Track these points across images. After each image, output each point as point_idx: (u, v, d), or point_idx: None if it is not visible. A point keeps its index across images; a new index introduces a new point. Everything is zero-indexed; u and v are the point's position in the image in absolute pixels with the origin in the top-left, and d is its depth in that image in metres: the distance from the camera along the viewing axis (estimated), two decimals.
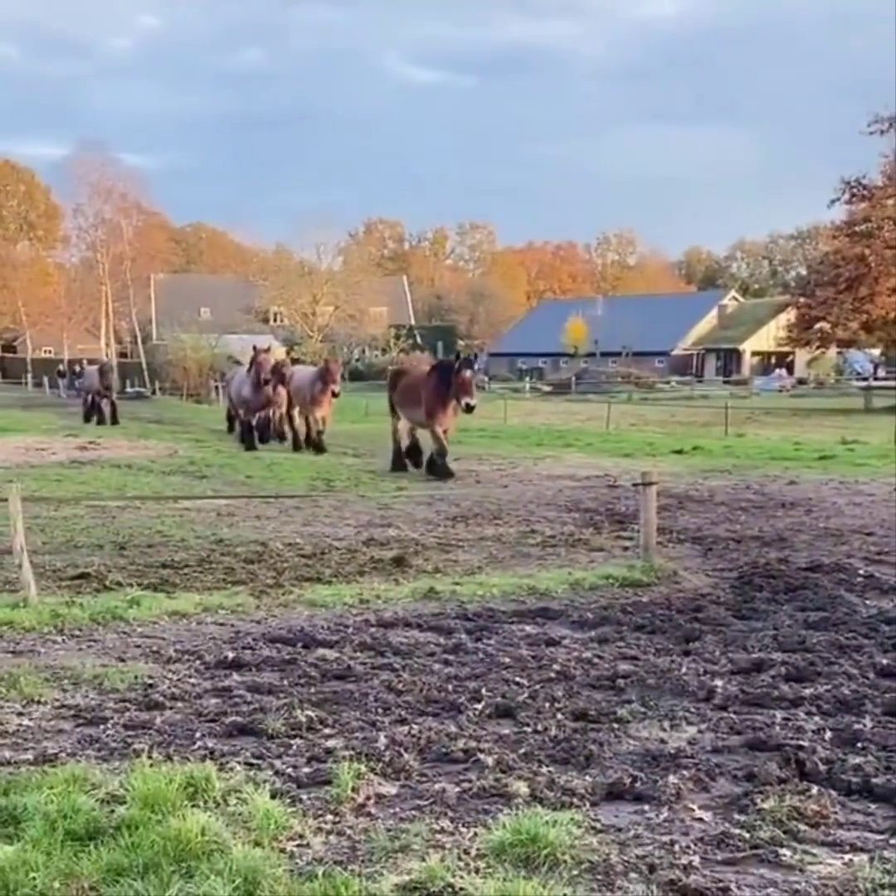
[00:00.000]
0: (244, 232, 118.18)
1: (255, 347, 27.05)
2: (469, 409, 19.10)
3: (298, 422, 26.83)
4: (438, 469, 19.54)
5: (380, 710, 6.31)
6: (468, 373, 19.24)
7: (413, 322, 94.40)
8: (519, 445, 26.78)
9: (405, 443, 21.10)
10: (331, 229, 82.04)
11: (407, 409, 20.74)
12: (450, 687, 6.74)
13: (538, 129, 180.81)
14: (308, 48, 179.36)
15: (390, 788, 5.19)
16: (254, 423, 26.90)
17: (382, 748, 5.62)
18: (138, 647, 7.91)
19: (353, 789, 5.07)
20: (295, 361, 47.07)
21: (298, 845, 4.58)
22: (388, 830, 4.66)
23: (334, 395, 25.32)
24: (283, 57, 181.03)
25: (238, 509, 15.19)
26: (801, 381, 73.98)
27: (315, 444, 25.43)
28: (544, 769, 5.37)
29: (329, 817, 4.86)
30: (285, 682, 6.91)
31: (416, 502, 15.94)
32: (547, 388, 72.31)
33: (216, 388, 58.44)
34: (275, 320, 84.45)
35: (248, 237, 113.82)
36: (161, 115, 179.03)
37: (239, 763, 5.48)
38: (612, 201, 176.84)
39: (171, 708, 6.41)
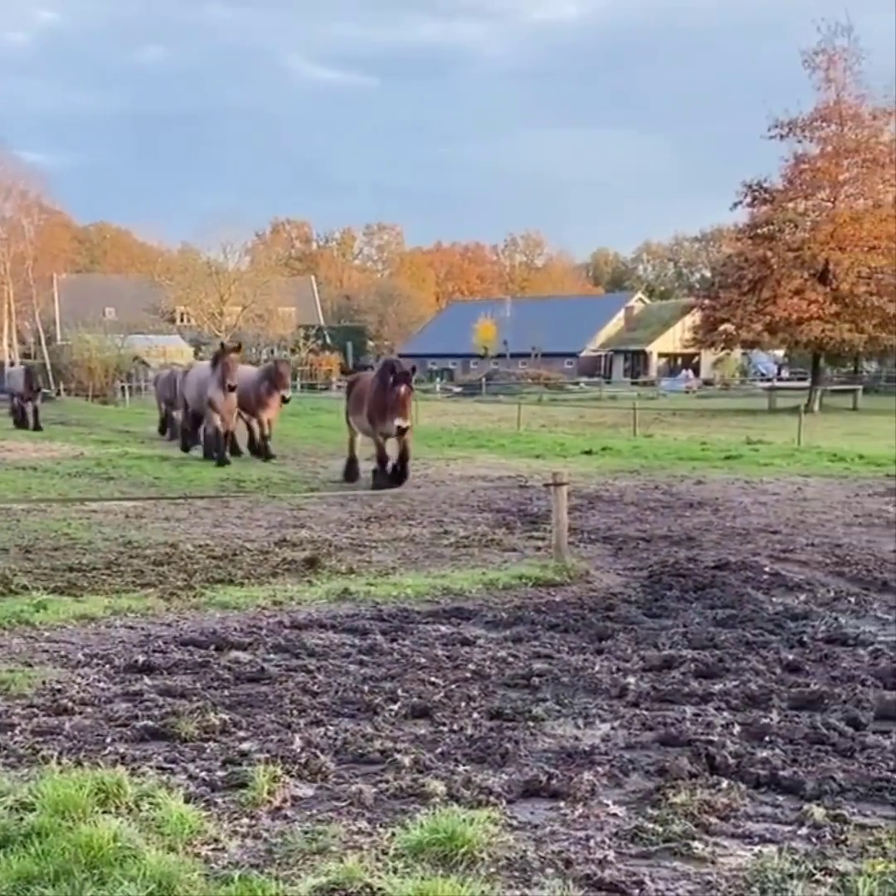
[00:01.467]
0: (149, 231, 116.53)
1: (222, 345, 23.72)
2: (400, 431, 17.31)
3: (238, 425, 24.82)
4: (378, 477, 18.00)
5: (295, 712, 6.27)
6: (403, 389, 17.31)
7: (322, 322, 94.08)
8: (431, 446, 26.81)
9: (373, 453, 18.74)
10: (237, 229, 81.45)
11: (355, 416, 19.29)
12: (365, 688, 6.72)
13: (445, 129, 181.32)
14: (212, 46, 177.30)
15: (307, 790, 5.17)
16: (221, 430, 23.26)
17: (298, 750, 5.59)
18: (46, 651, 7.74)
19: (269, 792, 5.03)
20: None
21: (213, 849, 4.53)
22: (305, 832, 4.64)
23: (284, 400, 23.77)
24: (188, 54, 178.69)
25: (146, 511, 14.97)
26: (707, 383, 75.31)
27: (261, 450, 23.68)
28: (461, 768, 5.39)
29: (245, 820, 4.82)
30: (198, 685, 6.82)
31: (329, 503, 15.88)
32: (457, 389, 72.59)
33: (123, 388, 57.64)
34: (181, 320, 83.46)
35: (154, 236, 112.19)
36: (61, 112, 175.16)
37: (151, 768, 5.39)
38: (520, 203, 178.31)
39: (80, 713, 6.30)
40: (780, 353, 72.76)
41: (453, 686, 6.79)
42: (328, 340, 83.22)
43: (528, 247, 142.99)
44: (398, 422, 17.16)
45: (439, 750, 5.65)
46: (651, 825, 4.70)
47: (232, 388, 22.21)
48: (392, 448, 18.06)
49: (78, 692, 6.69)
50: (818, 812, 4.81)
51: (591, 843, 4.56)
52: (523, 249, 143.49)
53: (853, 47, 46.61)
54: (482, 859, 4.38)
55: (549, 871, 4.31)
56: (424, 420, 37.46)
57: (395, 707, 6.35)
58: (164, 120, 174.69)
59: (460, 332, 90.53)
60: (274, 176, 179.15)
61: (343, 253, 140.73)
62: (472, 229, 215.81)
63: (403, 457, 17.90)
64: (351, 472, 19.21)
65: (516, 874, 4.29)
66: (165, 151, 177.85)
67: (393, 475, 17.86)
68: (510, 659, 7.46)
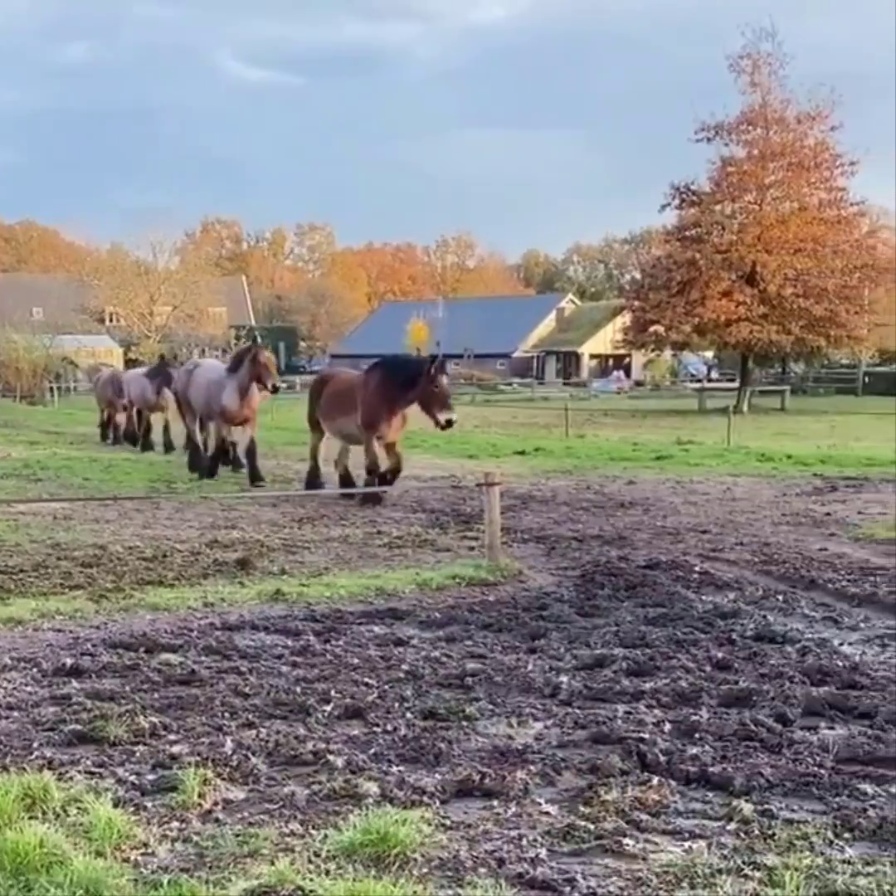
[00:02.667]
0: (77, 230, 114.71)
1: (255, 339, 20.00)
2: (448, 424, 15.63)
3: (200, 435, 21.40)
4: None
5: (226, 715, 6.21)
6: (445, 380, 15.72)
7: (253, 322, 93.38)
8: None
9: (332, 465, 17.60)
10: (167, 228, 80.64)
11: (334, 420, 17.03)
12: (298, 689, 6.68)
13: (375, 130, 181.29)
14: (139, 43, 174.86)
15: (238, 793, 5.12)
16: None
17: (229, 752, 5.54)
18: None
19: (200, 795, 4.98)
20: (131, 363, 46.13)
21: (143, 854, 4.48)
22: (237, 835, 4.60)
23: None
24: (114, 52, 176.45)
25: (75, 512, 14.75)
26: (638, 383, 76.04)
27: (235, 462, 20.13)
28: (394, 769, 5.38)
29: (175, 824, 4.76)
30: (127, 688, 6.73)
31: (261, 504, 15.76)
32: None
33: (52, 389, 56.75)
34: (111, 320, 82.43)
35: (82, 235, 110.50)
36: None
37: (79, 772, 5.31)
38: (451, 204, 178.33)
39: (6, 717, 6.19)
40: (709, 354, 73.70)
41: (386, 686, 6.78)
42: (260, 341, 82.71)
43: (459, 248, 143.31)
44: (445, 415, 15.44)
45: (372, 750, 5.63)
46: (583, 823, 4.73)
47: (275, 390, 19.38)
48: (381, 454, 16.27)
49: (4, 696, 6.57)
50: (747, 807, 4.88)
51: (524, 841, 4.57)
52: (455, 250, 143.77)
53: (777, 52, 47.40)
54: (415, 859, 4.38)
55: (482, 870, 4.32)
56: None
57: (328, 708, 6.32)
58: (90, 117, 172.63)
59: (393, 332, 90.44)
60: (203, 175, 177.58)
61: (274, 253, 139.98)
62: (403, 230, 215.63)
63: (397, 468, 16.44)
64: (314, 482, 17.27)
65: (449, 874, 4.29)
66: (92, 149, 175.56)
67: (384, 485, 16.09)
68: (443, 659, 7.46)
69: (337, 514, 14.85)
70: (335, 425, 17.14)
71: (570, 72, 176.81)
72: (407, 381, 15.71)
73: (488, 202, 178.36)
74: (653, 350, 53.71)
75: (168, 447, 25.23)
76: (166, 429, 25.55)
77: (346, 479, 17.26)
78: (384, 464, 16.25)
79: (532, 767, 5.38)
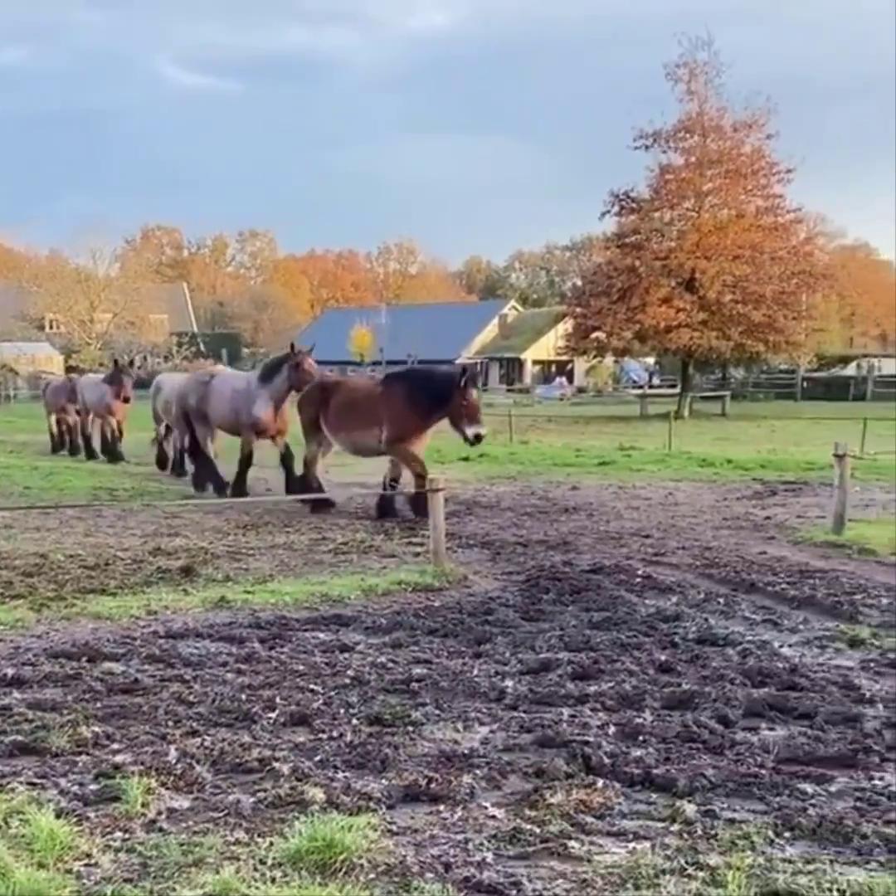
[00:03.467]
0: (15, 236, 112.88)
1: (292, 346, 17.91)
2: (478, 439, 15.06)
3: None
4: (420, 506, 14.04)
5: (170, 723, 6.17)
6: (475, 393, 15.16)
7: (195, 329, 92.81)
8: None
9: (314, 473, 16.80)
10: (107, 235, 79.62)
11: (349, 432, 15.96)
12: (243, 696, 6.65)
13: (316, 136, 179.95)
14: (77, 48, 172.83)
15: (182, 802, 5.09)
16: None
17: (173, 761, 5.50)
18: None
19: (143, 805, 4.95)
20: (72, 370, 45.55)
21: (86, 865, 4.43)
22: (181, 845, 4.57)
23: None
24: (52, 57, 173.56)
25: (15, 521, 14.55)
26: (580, 390, 76.43)
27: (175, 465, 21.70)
28: (340, 775, 5.38)
29: (118, 834, 4.72)
30: (69, 698, 6.65)
31: (205, 511, 15.66)
32: None
33: None
34: (51, 327, 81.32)
35: (20, 241, 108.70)
36: None
37: (20, 783, 5.25)
38: (393, 211, 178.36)
39: None
40: (650, 360, 74.29)
41: (332, 693, 6.77)
42: (202, 347, 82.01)
43: (401, 254, 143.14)
44: (475, 429, 14.80)
45: (318, 757, 5.62)
46: (529, 826, 4.76)
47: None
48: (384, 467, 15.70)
49: None
50: (689, 808, 4.94)
51: (470, 845, 4.59)
52: (397, 257, 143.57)
53: (714, 61, 47.98)
54: (361, 866, 4.38)
55: (429, 875, 4.33)
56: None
57: (274, 715, 6.30)
58: (27, 122, 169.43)
59: (336, 339, 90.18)
60: (143, 181, 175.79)
61: (215, 259, 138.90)
62: (345, 237, 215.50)
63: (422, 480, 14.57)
64: (320, 498, 15.90)
65: (396, 879, 4.30)
66: (30, 154, 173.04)
67: (416, 502, 14.82)
68: (389, 664, 7.46)
69: (282, 521, 14.79)
70: (349, 438, 16.14)
71: (511, 79, 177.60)
72: (438, 394, 15.01)
73: (430, 209, 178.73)
74: (595, 356, 53.97)
75: (115, 455, 24.76)
76: (117, 436, 25.15)
77: (302, 484, 16.70)
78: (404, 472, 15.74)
79: (478, 771, 5.40)
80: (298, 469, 17.22)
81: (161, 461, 22.53)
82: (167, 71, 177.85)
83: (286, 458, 17.65)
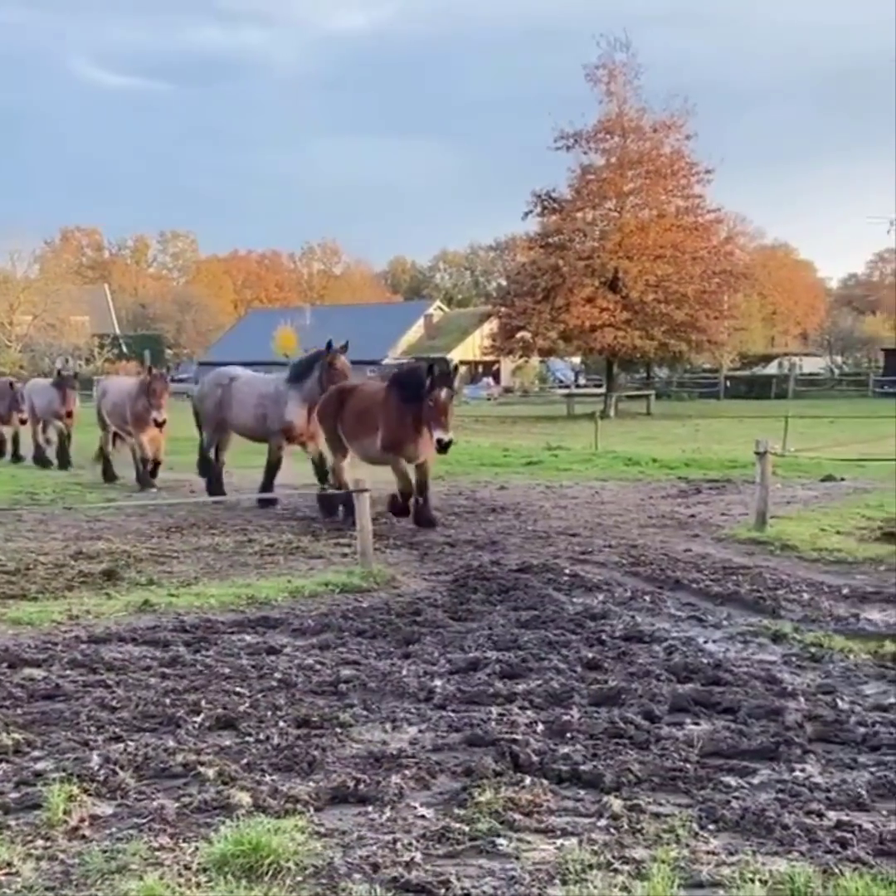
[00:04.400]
0: None
1: (328, 344, 16.51)
2: (442, 447, 13.43)
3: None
4: (422, 516, 14.18)
5: (93, 729, 6.07)
6: (444, 393, 13.54)
7: (118, 331, 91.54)
8: (231, 454, 26.34)
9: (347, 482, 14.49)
10: (25, 236, 78.23)
11: (359, 439, 14.71)
12: (167, 701, 6.57)
13: (237, 136, 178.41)
14: None
15: (106, 808, 5.01)
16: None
17: (96, 768, 5.41)
18: None
19: (66, 812, 4.87)
20: None
21: (7, 874, 4.35)
22: (104, 851, 4.50)
23: (157, 424, 18.76)
24: None
25: None
26: (507, 390, 76.76)
27: (143, 477, 19.20)
28: (267, 778, 5.33)
29: (40, 843, 4.64)
30: None
31: (127, 514, 15.44)
32: None
33: None
34: None
35: None
36: None
37: None
38: (316, 211, 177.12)
39: None
40: (576, 360, 74.85)
41: (259, 695, 6.71)
42: (124, 349, 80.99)
43: (325, 255, 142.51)
44: (440, 434, 13.39)
45: (245, 760, 5.57)
46: (458, 825, 4.76)
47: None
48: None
49: None
50: (616, 803, 4.98)
51: (399, 845, 4.58)
52: (321, 257, 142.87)
53: (632, 62, 48.60)
54: (288, 868, 4.35)
55: (357, 876, 4.31)
56: None
57: (199, 719, 6.24)
58: None
59: (260, 339, 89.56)
60: (62, 182, 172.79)
61: (137, 261, 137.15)
62: (268, 237, 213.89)
63: (423, 486, 14.48)
64: (346, 506, 14.16)
65: (323, 881, 4.28)
66: None
67: (419, 513, 14.28)
68: (317, 666, 7.42)
69: (206, 523, 14.64)
70: (360, 445, 14.87)
71: (434, 80, 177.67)
72: (416, 394, 13.79)
73: (353, 209, 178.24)
74: (520, 356, 54.23)
75: (64, 462, 23.09)
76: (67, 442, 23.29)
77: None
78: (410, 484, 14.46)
79: (407, 772, 5.39)
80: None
81: (108, 473, 20.55)
82: (86, 71, 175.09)
83: (318, 466, 16.64)
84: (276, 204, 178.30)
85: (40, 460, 23.71)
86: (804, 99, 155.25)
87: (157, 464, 19.47)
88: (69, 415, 22.69)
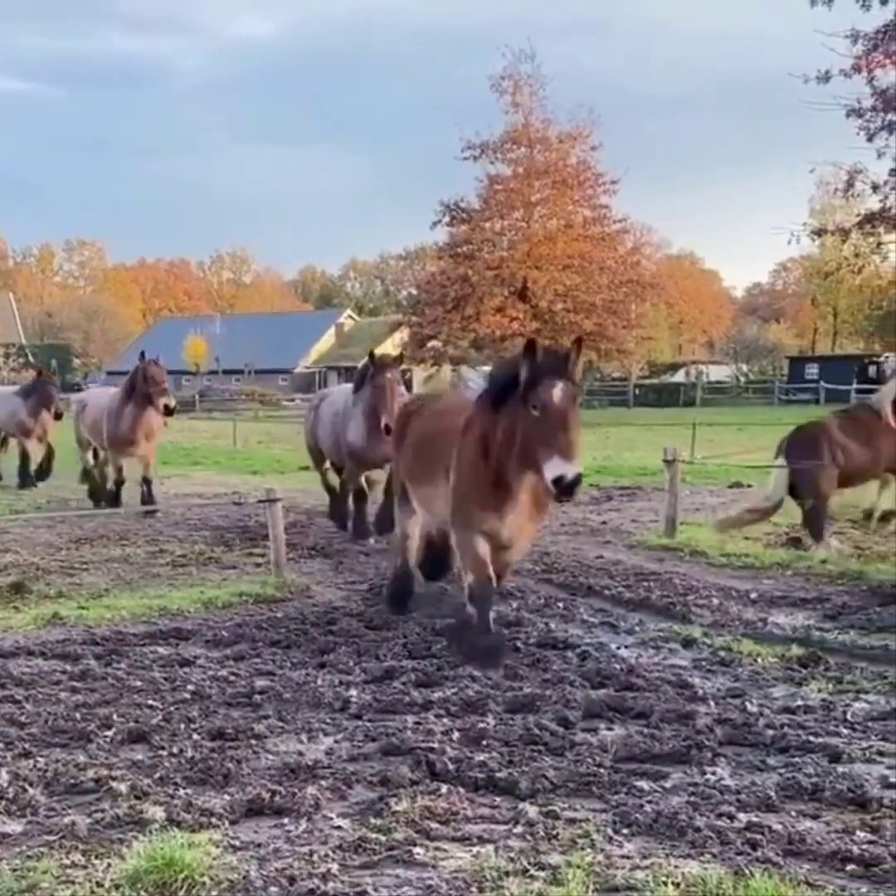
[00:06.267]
0: None
1: (371, 354, 13.34)
2: (563, 488, 6.91)
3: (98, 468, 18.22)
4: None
5: (1, 745, 5.94)
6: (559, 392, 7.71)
7: (23, 340, 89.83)
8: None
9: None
10: None
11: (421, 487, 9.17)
12: (78, 715, 6.45)
13: (144, 143, 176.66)
14: None
15: (15, 826, 4.91)
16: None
17: (5, 784, 5.30)
18: None
19: None
20: None
21: None
22: (14, 871, 4.41)
23: (167, 411, 16.24)
24: None
25: None
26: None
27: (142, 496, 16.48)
28: (181, 792, 5.27)
29: None
30: None
31: (36, 525, 15.12)
32: None
33: None
34: None
35: None
36: None
37: None
38: (225, 219, 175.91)
39: None
40: (487, 368, 75.22)
41: (172, 708, 6.63)
42: (31, 359, 79.51)
43: (235, 263, 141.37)
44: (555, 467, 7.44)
45: (158, 774, 5.50)
46: (374, 835, 4.75)
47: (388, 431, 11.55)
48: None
49: None
50: (532, 810, 5.02)
51: (315, 857, 4.56)
52: (230, 266, 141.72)
53: (537, 73, 49.22)
54: (203, 883, 4.30)
55: (273, 889, 4.29)
56: None
57: (110, 733, 6.14)
58: None
59: (170, 348, 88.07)
60: None
61: (42, 269, 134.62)
62: (177, 245, 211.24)
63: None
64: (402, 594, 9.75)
65: (239, 895, 4.24)
66: None
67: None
68: (231, 677, 7.36)
69: (117, 534, 14.41)
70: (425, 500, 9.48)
71: (342, 88, 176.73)
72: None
73: (263, 218, 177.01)
74: (432, 365, 54.41)
75: (25, 477, 20.32)
76: (24, 459, 20.46)
77: None
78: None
79: (323, 782, 5.37)
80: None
81: (95, 494, 17.64)
82: None
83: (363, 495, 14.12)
84: (185, 212, 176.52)
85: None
86: (708, 109, 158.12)
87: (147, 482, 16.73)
88: (59, 416, 19.79)
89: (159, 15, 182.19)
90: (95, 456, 18.34)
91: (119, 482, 16.98)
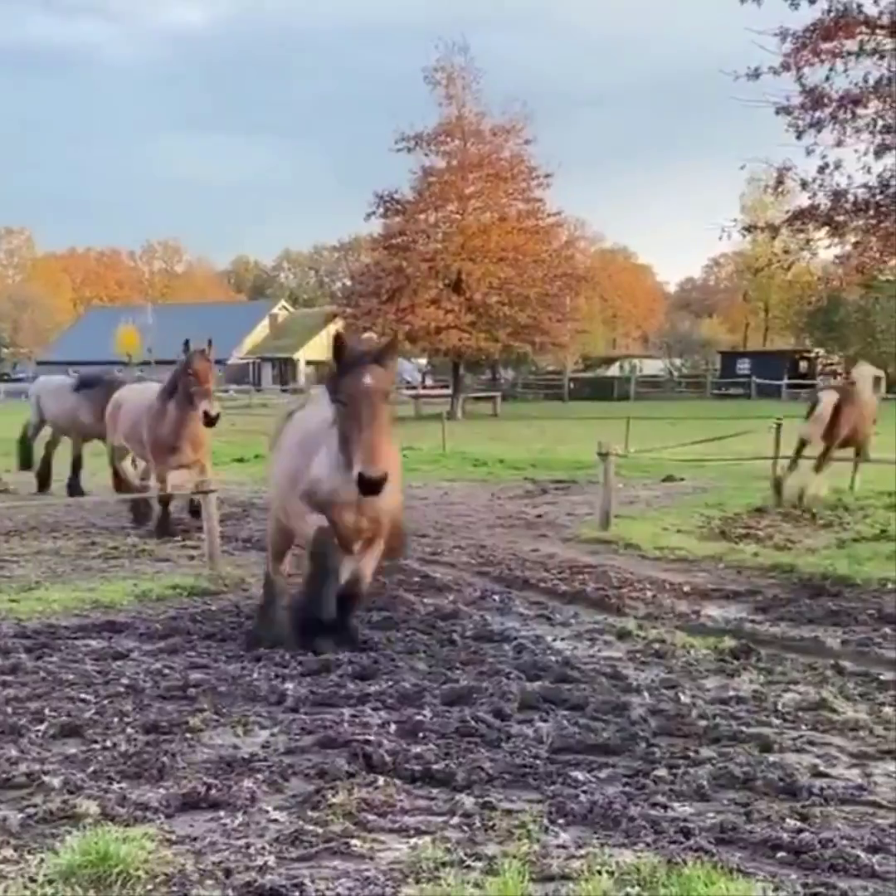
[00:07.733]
0: None
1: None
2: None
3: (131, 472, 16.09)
4: None
5: None
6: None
7: None
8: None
9: None
10: None
11: None
12: (9, 709, 6.37)
13: (71, 131, 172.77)
14: None
15: None
16: None
17: None
18: None
19: None
20: None
21: None
22: None
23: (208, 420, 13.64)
24: None
25: None
26: None
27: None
28: (115, 786, 5.22)
29: None
30: None
31: None
32: None
33: None
34: None
35: None
36: None
37: None
38: (156, 208, 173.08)
39: None
40: (423, 361, 75.26)
41: (105, 702, 6.57)
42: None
43: (166, 253, 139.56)
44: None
45: (91, 768, 5.44)
46: (311, 827, 4.75)
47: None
48: None
49: None
50: (468, 801, 5.04)
51: (252, 850, 4.55)
52: (162, 256, 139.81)
53: (470, 66, 49.22)
54: (138, 877, 4.27)
55: (209, 882, 4.27)
56: None
57: (42, 727, 6.06)
58: None
59: (101, 338, 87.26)
60: None
61: None
62: (107, 235, 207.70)
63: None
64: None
65: (175, 889, 4.22)
66: None
67: None
68: (166, 671, 7.30)
69: (47, 526, 14.22)
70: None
71: (275, 79, 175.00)
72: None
73: (194, 207, 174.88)
74: None
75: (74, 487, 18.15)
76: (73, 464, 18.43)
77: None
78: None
79: (259, 776, 5.36)
80: None
81: (139, 510, 14.59)
82: None
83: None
84: (115, 201, 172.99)
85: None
86: (641, 103, 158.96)
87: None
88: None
89: (87, 1, 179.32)
90: (133, 465, 16.06)
91: (165, 500, 13.70)
